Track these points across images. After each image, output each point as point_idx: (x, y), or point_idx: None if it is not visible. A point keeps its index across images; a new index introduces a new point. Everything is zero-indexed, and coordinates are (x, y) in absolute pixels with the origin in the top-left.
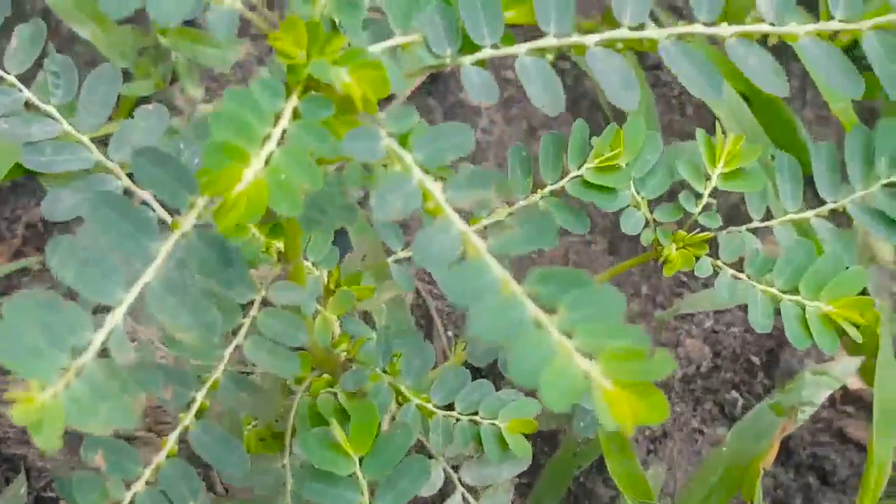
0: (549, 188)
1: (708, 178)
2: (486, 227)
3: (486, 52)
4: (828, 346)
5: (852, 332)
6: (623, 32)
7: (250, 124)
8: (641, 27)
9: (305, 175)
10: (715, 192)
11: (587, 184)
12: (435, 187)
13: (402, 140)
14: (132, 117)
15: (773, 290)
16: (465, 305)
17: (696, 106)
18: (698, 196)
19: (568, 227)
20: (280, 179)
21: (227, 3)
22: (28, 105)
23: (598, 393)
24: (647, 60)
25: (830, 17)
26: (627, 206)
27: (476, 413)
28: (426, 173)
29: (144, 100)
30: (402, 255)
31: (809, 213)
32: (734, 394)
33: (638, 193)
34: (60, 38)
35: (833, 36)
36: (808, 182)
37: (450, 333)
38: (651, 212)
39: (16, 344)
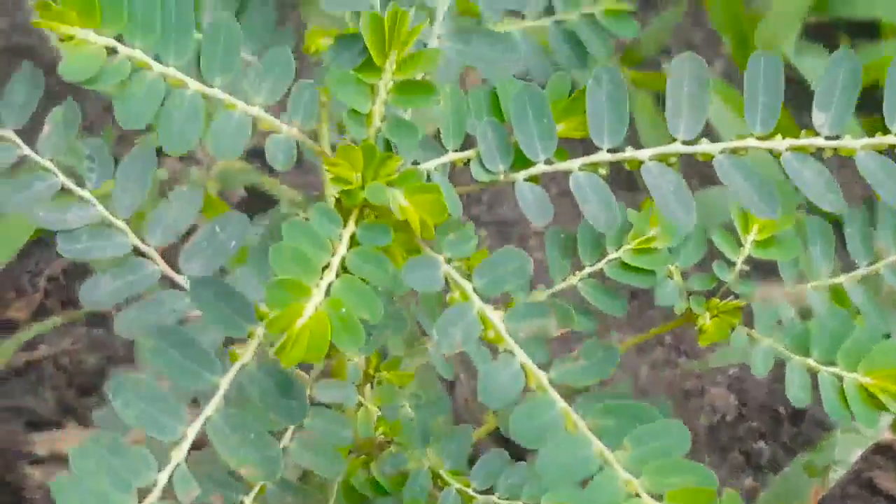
0: (587, 270)
1: (741, 245)
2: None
3: (540, 168)
4: (866, 421)
5: (892, 405)
6: (677, 147)
7: (309, 257)
8: (696, 141)
9: (365, 306)
10: (749, 259)
11: (626, 266)
12: (495, 316)
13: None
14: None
15: (811, 362)
16: (530, 444)
17: None
18: (731, 263)
19: (606, 309)
20: (341, 313)
21: (284, 131)
22: (63, 189)
23: None
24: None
25: (887, 132)
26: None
27: (517, 498)
28: (486, 301)
29: (158, 153)
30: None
31: (843, 278)
32: (761, 444)
33: (671, 263)
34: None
35: (890, 150)
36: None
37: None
38: (684, 279)
39: (84, 491)
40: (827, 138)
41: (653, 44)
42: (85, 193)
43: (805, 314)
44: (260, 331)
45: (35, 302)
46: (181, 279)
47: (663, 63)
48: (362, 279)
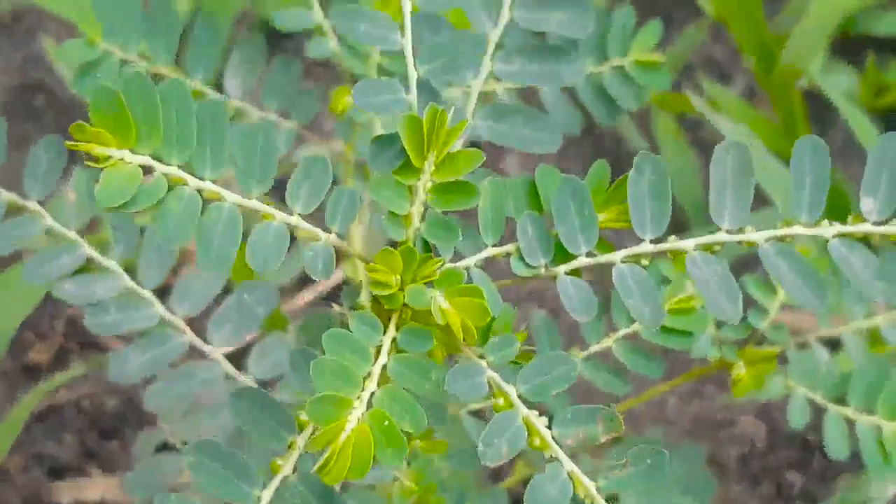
0: (622, 332)
1: (775, 291)
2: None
3: (582, 261)
4: None
5: None
6: (721, 236)
7: (351, 369)
8: (741, 231)
9: (408, 417)
10: (783, 307)
11: (663, 328)
12: (541, 424)
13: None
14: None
15: (849, 412)
16: None
17: None
18: (765, 311)
19: (642, 371)
20: (384, 426)
21: (323, 239)
22: (90, 261)
23: None
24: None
25: None
26: None
27: None
28: (530, 407)
29: None
30: (475, 406)
31: (879, 319)
32: (793, 474)
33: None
34: None
35: None
36: None
37: None
38: (717, 328)
39: None
40: (875, 223)
41: (675, 63)
42: (111, 264)
43: (835, 343)
44: (301, 441)
45: (55, 345)
46: (210, 349)
47: (685, 83)
48: (404, 388)
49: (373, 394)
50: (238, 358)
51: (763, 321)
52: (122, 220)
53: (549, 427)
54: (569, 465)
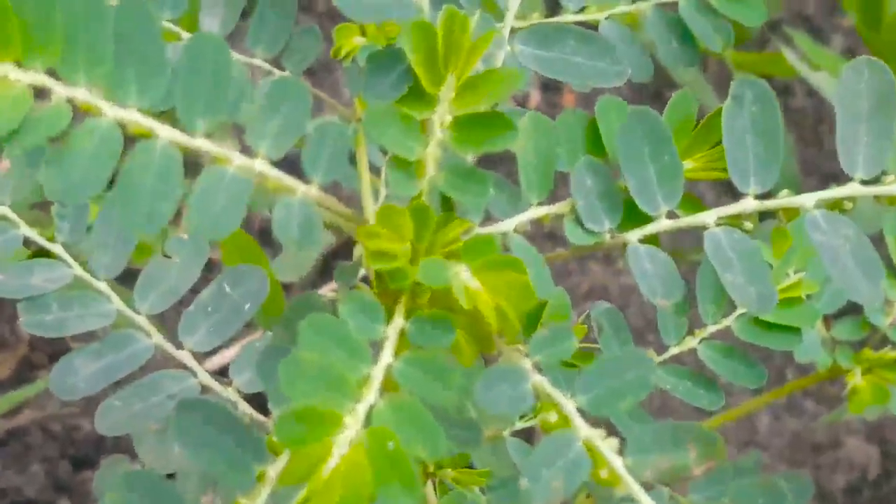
0: (710, 329)
1: None
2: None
3: (662, 224)
4: None
5: None
6: (854, 188)
7: (340, 371)
8: (876, 180)
9: (422, 438)
10: None
11: (761, 323)
12: (609, 448)
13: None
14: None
15: None
16: None
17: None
18: (889, 305)
19: (736, 380)
20: (387, 450)
21: (300, 192)
22: (27, 244)
23: None
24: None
25: None
26: None
27: None
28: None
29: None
30: (520, 425)
31: None
32: None
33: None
34: None
35: None
36: None
37: None
38: (827, 328)
39: None
40: None
41: None
42: (55, 248)
43: None
44: (273, 472)
45: (18, 355)
46: (183, 355)
47: (772, 40)
48: (416, 397)
49: (372, 406)
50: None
51: (885, 318)
52: None
53: (621, 454)
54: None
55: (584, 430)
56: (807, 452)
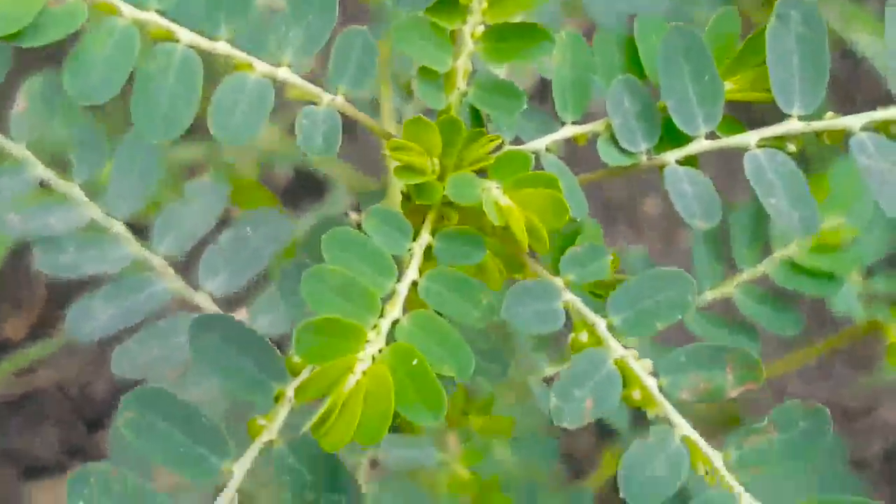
0: (745, 275)
1: None
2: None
3: (701, 144)
4: None
5: None
6: None
7: (365, 285)
8: None
9: (449, 355)
10: None
11: (799, 269)
12: (642, 368)
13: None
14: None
15: None
16: None
17: None
18: None
19: (773, 327)
20: (411, 366)
21: (325, 101)
22: (43, 185)
23: None
24: None
25: None
26: None
27: None
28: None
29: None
30: (549, 371)
31: None
32: None
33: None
34: None
35: None
36: None
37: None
38: (866, 279)
39: None
40: None
41: None
42: (72, 189)
43: None
44: (292, 392)
45: (33, 314)
46: (202, 298)
47: None
48: (442, 314)
49: (396, 322)
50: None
51: None
52: (87, 133)
53: (655, 374)
54: (684, 427)
55: (617, 349)
56: (839, 419)
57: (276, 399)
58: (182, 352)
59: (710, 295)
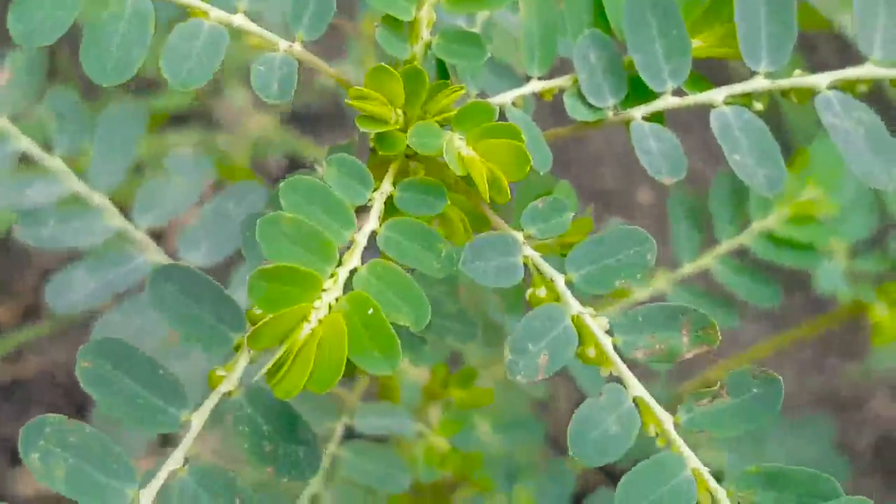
0: (724, 246)
1: None
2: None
3: (667, 101)
4: None
5: None
6: (869, 70)
7: (322, 233)
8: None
9: (406, 304)
10: None
11: (778, 240)
12: (597, 326)
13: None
14: (164, 166)
15: None
16: None
17: None
18: None
19: (752, 298)
20: (367, 316)
21: (282, 48)
22: (25, 158)
23: None
24: None
25: None
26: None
27: None
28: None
29: (178, 119)
30: None
31: None
32: None
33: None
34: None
35: None
36: None
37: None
38: (849, 259)
39: None
40: None
41: None
42: (54, 162)
43: None
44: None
45: (24, 301)
46: None
47: None
48: (401, 265)
49: (353, 271)
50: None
51: None
52: (67, 106)
53: (610, 333)
54: (637, 388)
55: (574, 305)
56: (831, 410)
57: (237, 349)
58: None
59: (689, 268)
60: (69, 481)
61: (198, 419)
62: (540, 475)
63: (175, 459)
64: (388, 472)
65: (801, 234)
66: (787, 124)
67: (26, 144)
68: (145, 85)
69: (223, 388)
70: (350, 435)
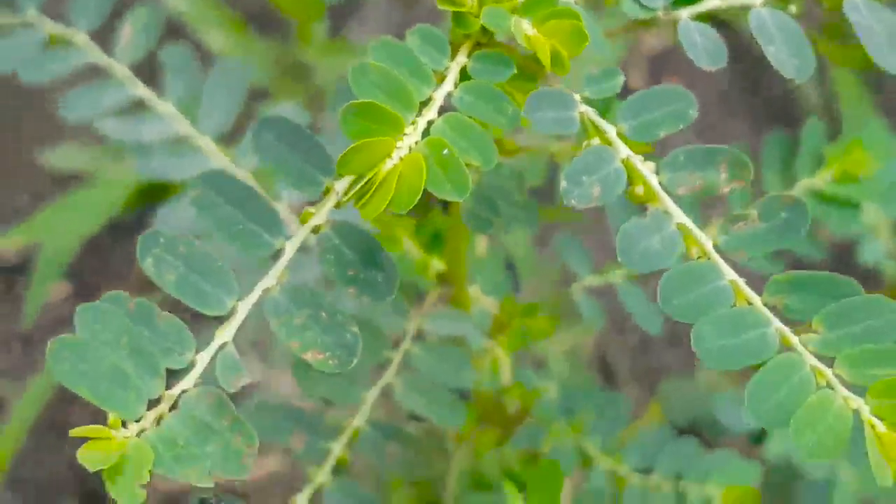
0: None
1: None
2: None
3: (712, 3)
4: None
5: None
6: None
7: (405, 85)
8: None
9: (475, 149)
10: None
11: (822, 197)
12: (645, 168)
13: (604, 108)
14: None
15: None
16: (687, 319)
17: None
18: None
19: (799, 250)
20: (443, 155)
21: None
22: (142, 104)
23: (869, 439)
24: None
25: None
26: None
27: (680, 478)
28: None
29: None
30: (590, 281)
31: None
32: None
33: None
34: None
35: None
36: None
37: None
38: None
39: (94, 367)
40: None
41: None
42: (166, 107)
43: None
44: (340, 186)
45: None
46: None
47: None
48: (472, 118)
49: (431, 122)
50: None
51: None
52: (181, 59)
53: (656, 173)
54: (680, 216)
55: (624, 150)
56: None
57: (326, 192)
58: None
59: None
60: (178, 286)
61: (290, 246)
62: (597, 407)
63: (269, 278)
64: (452, 367)
65: (846, 192)
66: (837, 112)
67: (142, 91)
68: None
69: (313, 221)
70: (422, 337)
